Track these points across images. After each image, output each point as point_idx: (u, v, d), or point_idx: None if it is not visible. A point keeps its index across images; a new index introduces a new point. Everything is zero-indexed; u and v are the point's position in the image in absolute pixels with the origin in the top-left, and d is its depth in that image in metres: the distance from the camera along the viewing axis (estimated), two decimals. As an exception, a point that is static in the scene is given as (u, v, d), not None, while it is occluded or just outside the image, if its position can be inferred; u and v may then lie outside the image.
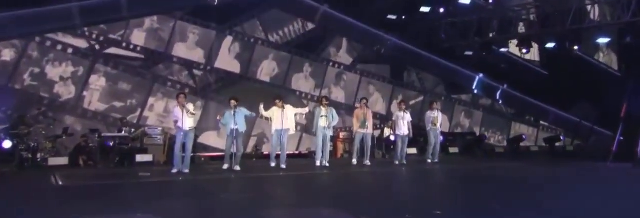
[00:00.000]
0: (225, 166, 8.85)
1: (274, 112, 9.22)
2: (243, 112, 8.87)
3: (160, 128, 10.54)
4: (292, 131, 9.34)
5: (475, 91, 16.70)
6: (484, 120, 16.79)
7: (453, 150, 12.44)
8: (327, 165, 9.47)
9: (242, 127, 8.85)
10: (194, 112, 8.50)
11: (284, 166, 9.07)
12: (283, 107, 9.13)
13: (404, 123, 10.05)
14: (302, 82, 14.23)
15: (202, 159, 10.01)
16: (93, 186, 7.14)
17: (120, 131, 10.23)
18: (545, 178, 8.31)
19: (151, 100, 12.28)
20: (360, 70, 15.09)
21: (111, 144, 9.29)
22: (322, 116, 9.42)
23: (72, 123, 11.31)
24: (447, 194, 6.51)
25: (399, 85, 15.77)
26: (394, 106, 15.29)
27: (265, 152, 12.41)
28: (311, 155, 12.74)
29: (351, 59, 15.03)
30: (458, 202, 5.86)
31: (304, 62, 14.27)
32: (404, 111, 10.07)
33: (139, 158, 9.51)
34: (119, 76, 12.02)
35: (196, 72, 12.80)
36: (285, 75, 13.96)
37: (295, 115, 9.42)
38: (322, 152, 9.52)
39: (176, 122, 8.37)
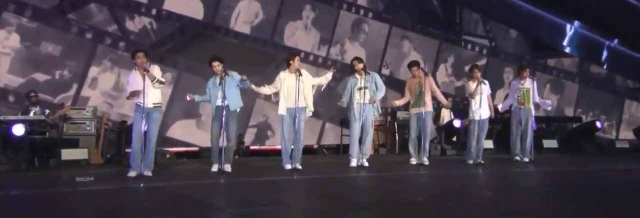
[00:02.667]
0: (215, 167, 8.97)
1: (284, 80, 9.28)
2: (234, 79, 8.95)
3: (90, 108, 10.55)
4: (310, 111, 9.50)
5: (567, 49, 17.00)
6: (580, 97, 17.22)
7: (548, 143, 12.77)
8: (366, 164, 9.70)
9: (234, 103, 8.95)
10: (162, 80, 8.55)
11: (298, 166, 9.25)
12: (299, 73, 9.20)
13: (482, 100, 10.25)
14: (300, 34, 14.36)
15: (167, 156, 10.11)
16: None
17: (25, 113, 10.16)
18: None
19: (93, 70, 12.21)
20: (390, 17, 15.34)
21: (20, 133, 9.24)
22: (359, 88, 9.59)
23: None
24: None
25: (449, 40, 16.00)
26: (441, 72, 15.56)
27: (254, 146, 12.58)
28: (322, 150, 13.10)
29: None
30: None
31: (302, 3, 14.37)
32: (480, 81, 10.27)
33: (66, 155, 9.57)
34: (40, 32, 11.85)
35: (131, 21, 12.62)
36: (274, 23, 14.03)
37: (312, 86, 9.55)
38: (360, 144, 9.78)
39: (134, 95, 8.36)
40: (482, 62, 16.24)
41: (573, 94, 17.22)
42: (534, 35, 16.88)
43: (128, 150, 9.42)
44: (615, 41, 17.13)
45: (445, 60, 15.93)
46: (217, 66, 8.89)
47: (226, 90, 8.77)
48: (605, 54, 17.31)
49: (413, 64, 10.28)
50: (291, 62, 9.32)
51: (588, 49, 17.25)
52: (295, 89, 9.15)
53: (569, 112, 16.85)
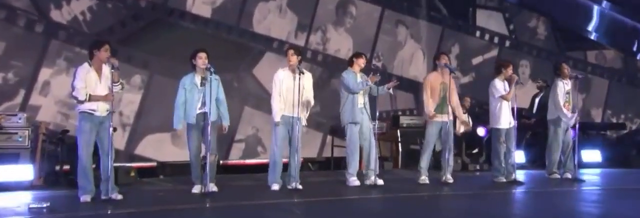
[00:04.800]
0: (196, 188, 9.19)
1: (284, 81, 9.53)
2: (219, 83, 9.29)
3: (23, 115, 10.48)
4: (305, 122, 9.85)
5: (594, 36, 17.55)
6: (610, 96, 17.74)
7: (588, 156, 13.22)
8: (381, 182, 10.08)
9: (216, 113, 9.18)
10: (124, 83, 8.77)
11: (298, 186, 9.50)
12: (299, 71, 9.44)
13: (509, 104, 10.74)
14: (273, 18, 14.41)
15: (132, 174, 10.23)
16: None
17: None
18: None
19: (45, 72, 12.08)
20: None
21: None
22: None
23: None
24: None
25: (454, 27, 16.44)
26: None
27: (229, 161, 12.78)
28: (307, 164, 13.30)
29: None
30: None
31: (275, -20, 14.46)
32: (517, 80, 10.71)
33: (4, 174, 9.61)
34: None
35: (57, 10, 12.38)
36: (240, 4, 14.08)
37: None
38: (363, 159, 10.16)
39: (102, 100, 8.45)
40: (492, 53, 16.63)
41: (602, 93, 17.64)
42: (553, 19, 17.23)
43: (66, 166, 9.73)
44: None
45: (448, 50, 16.03)
46: (205, 59, 9.13)
47: (208, 94, 8.96)
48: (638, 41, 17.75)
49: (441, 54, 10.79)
50: (291, 56, 9.61)
51: (619, 36, 17.67)
52: (292, 93, 9.42)
53: (597, 114, 17.32)
